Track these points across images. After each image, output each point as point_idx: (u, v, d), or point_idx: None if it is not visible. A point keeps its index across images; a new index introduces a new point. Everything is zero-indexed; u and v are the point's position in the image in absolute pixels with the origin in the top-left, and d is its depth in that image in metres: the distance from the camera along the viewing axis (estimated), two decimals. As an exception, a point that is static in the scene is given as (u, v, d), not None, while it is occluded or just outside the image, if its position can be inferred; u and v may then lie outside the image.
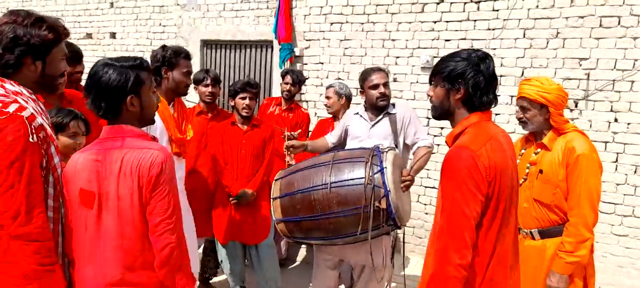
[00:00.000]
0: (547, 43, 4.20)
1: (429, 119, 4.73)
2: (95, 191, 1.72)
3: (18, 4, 7.54)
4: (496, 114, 4.43)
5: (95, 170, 1.72)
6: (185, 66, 2.93)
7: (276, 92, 5.39)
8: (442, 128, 4.70)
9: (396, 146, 3.19)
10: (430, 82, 1.98)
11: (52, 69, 1.81)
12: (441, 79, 1.86)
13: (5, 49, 1.69)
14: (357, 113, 3.38)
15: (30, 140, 1.65)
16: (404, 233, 4.29)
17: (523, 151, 2.66)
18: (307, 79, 5.30)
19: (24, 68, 1.73)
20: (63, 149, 2.33)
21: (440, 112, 1.92)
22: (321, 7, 5.19)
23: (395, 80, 4.86)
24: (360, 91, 3.40)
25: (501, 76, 4.39)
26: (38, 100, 1.79)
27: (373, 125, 3.26)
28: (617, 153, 4.02)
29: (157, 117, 2.86)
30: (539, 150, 2.55)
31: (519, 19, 4.27)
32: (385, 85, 3.23)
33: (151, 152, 1.72)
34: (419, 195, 4.87)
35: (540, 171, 2.48)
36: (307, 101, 5.36)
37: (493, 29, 4.39)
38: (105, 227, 1.73)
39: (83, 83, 3.46)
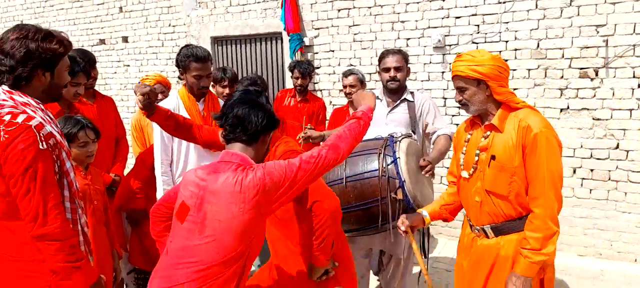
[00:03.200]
0: (562, 12, 4.06)
1: (446, 99, 4.66)
2: (192, 208, 1.73)
3: (31, 15, 7.66)
4: (514, 89, 4.34)
5: (199, 188, 1.73)
6: (195, 70, 2.91)
7: (290, 83, 5.37)
8: (453, 116, 4.62)
9: (414, 133, 3.15)
10: None
11: (59, 79, 1.90)
12: None
13: (18, 62, 1.77)
14: (377, 97, 3.33)
15: (41, 147, 1.73)
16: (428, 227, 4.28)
17: (469, 136, 2.25)
18: (317, 67, 5.27)
19: (34, 79, 1.82)
20: (75, 158, 2.42)
21: None
22: (327, -6, 5.13)
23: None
24: (377, 71, 3.37)
25: (516, 50, 4.28)
26: (46, 110, 1.87)
27: (390, 111, 3.22)
28: (642, 120, 3.90)
29: (184, 112, 2.93)
30: (488, 133, 2.13)
31: (531, -11, 4.14)
32: (397, 69, 3.16)
33: (247, 173, 1.69)
34: (441, 177, 4.83)
35: (493, 157, 2.10)
36: (320, 90, 5.33)
37: (504, 2, 4.26)
38: (191, 247, 1.70)
39: (96, 88, 3.56)
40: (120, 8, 6.75)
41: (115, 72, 6.97)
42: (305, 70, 4.33)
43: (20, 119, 1.72)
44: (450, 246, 4.77)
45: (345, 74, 4.09)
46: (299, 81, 4.35)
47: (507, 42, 4.31)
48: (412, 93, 3.27)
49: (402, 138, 2.82)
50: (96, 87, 3.74)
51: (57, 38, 1.85)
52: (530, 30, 4.20)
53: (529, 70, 4.25)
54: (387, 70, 3.17)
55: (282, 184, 1.70)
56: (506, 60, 4.32)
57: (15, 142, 1.69)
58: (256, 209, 1.68)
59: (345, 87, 4.05)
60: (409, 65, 3.29)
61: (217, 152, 2.64)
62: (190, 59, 2.91)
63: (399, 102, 3.22)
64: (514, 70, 4.31)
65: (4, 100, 1.76)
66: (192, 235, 1.70)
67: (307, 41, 5.28)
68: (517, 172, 2.03)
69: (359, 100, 2.12)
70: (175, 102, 2.98)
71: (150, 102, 2.41)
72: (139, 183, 3.18)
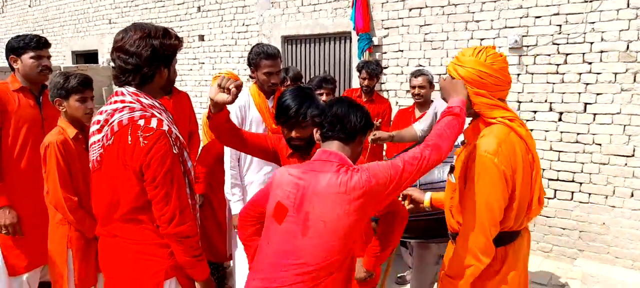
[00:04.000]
0: (658, 11, 3.72)
1: (520, 102, 4.43)
2: (290, 208, 1.69)
3: (118, 14, 8.21)
4: (598, 94, 4.03)
5: (297, 188, 1.70)
6: (265, 67, 3.00)
7: (356, 83, 5.35)
8: (527, 121, 4.37)
9: None
10: None
11: (173, 74, 1.96)
12: None
13: (145, 61, 1.80)
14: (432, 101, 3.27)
15: (174, 151, 1.81)
16: None
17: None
18: (385, 67, 5.20)
19: (156, 77, 1.87)
20: (72, 114, 2.55)
21: None
22: (399, -7, 5.05)
23: (480, 63, 4.60)
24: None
25: (602, 52, 3.97)
26: (167, 110, 1.95)
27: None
28: None
29: (254, 109, 3.01)
30: (464, 140, 2.01)
31: (622, -13, 3.82)
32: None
33: (351, 175, 1.65)
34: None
35: (451, 167, 2.02)
36: (387, 90, 5.26)
37: (591, 1, 3.97)
38: (295, 248, 1.66)
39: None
40: (199, 8, 7.06)
41: (191, 69, 7.30)
42: (373, 71, 4.29)
43: (153, 123, 1.78)
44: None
45: (415, 74, 4.00)
46: (366, 82, 4.31)
47: (592, 43, 4.01)
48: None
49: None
50: (175, 85, 3.95)
51: (174, 34, 1.90)
52: (619, 30, 3.88)
53: (616, 74, 3.93)
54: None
55: (387, 186, 1.65)
56: (590, 63, 4.03)
57: (155, 148, 1.76)
58: (360, 211, 1.63)
59: (413, 87, 3.97)
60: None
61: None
62: (261, 57, 2.99)
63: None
64: (599, 74, 4.00)
65: (131, 102, 1.81)
66: (293, 236, 1.66)
67: (376, 41, 5.22)
68: (457, 189, 1.93)
69: (450, 91, 1.89)
70: (246, 98, 3.05)
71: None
72: (203, 169, 3.32)
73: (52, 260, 2.60)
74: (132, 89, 1.85)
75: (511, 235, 1.91)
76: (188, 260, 1.88)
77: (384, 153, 3.41)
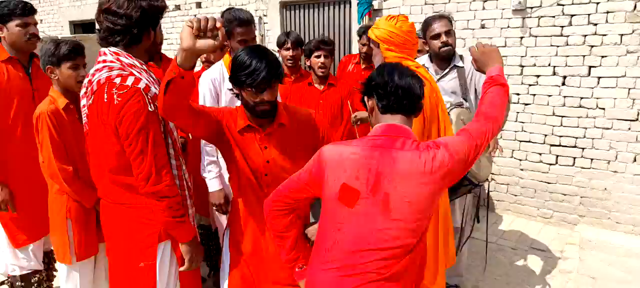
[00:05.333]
0: (667, -32, 3.57)
1: (523, 66, 4.32)
2: (362, 190, 1.55)
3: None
4: (602, 57, 3.92)
5: (368, 168, 1.56)
6: (239, 35, 2.69)
7: (356, 49, 5.24)
8: (530, 85, 4.28)
9: (465, 101, 2.96)
10: None
11: (159, 36, 1.98)
12: None
13: (135, 22, 1.82)
14: (423, 65, 3.14)
15: (150, 109, 1.80)
16: (488, 190, 4.07)
17: None
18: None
19: (144, 38, 1.89)
20: (64, 81, 2.46)
21: None
22: (399, -46, 4.89)
23: (483, 26, 4.48)
24: (423, 41, 3.12)
25: (608, 12, 3.84)
26: (149, 70, 1.94)
27: (439, 79, 3.03)
28: None
29: (228, 82, 2.85)
30: None
31: (631, -57, 3.67)
32: (448, 33, 2.98)
33: (433, 152, 1.56)
34: (513, 150, 4.53)
35: None
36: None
37: (598, -41, 3.82)
38: (376, 231, 1.54)
39: (166, 52, 3.67)
40: (195, -27, 6.90)
41: (189, 37, 7.18)
42: None
43: (129, 81, 1.79)
44: (518, 223, 4.50)
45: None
46: (366, 48, 4.21)
47: (598, 3, 3.88)
48: (461, 57, 3.07)
49: (452, 107, 2.66)
50: (169, 52, 3.86)
51: None
52: None
53: (622, 35, 3.81)
54: (438, 36, 2.97)
55: (466, 161, 1.60)
56: (596, 24, 3.91)
57: (128, 105, 1.76)
58: (443, 187, 1.58)
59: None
60: (454, 29, 3.11)
61: None
62: (234, 24, 2.69)
63: (448, 69, 3.04)
64: (604, 35, 3.88)
65: (111, 62, 1.83)
66: (372, 220, 1.54)
67: (376, 5, 5.09)
68: None
69: (486, 60, 1.92)
70: (219, 70, 2.80)
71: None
72: None
73: (52, 230, 2.60)
74: (113, 49, 1.85)
75: None
76: (169, 221, 1.89)
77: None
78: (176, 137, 1.98)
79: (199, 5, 6.95)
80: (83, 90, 1.93)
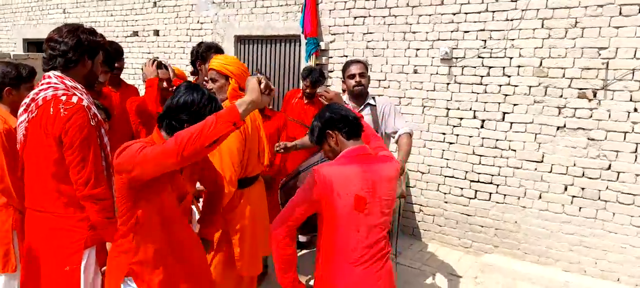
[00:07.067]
0: (566, 32, 4.19)
1: (449, 109, 4.82)
2: (367, 196, 2.03)
3: (72, 4, 8.18)
4: (514, 104, 4.47)
5: (365, 179, 2.04)
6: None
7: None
8: (454, 127, 4.77)
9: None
10: None
11: (96, 68, 2.31)
12: None
13: (70, 48, 2.16)
14: (344, 102, 3.59)
15: (91, 123, 2.12)
16: (399, 213, 4.46)
17: None
18: (331, 71, 5.51)
19: (79, 64, 2.21)
20: (20, 101, 2.63)
21: None
22: (345, 1, 5.38)
23: (415, 71, 4.98)
24: (342, 80, 3.73)
25: (519, 66, 4.42)
26: (88, 94, 2.26)
27: None
28: (637, 143, 3.96)
29: None
30: None
31: (538, 9, 4.28)
32: (361, 75, 3.55)
33: (395, 162, 2.25)
34: (439, 184, 4.97)
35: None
36: (331, 93, 5.56)
37: (511, 20, 4.42)
38: (379, 224, 2.08)
39: (126, 78, 3.90)
40: (154, 2, 7.18)
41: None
42: (315, 80, 4.56)
43: (74, 99, 2.11)
44: (442, 251, 4.88)
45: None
46: (308, 90, 4.60)
47: (511, 58, 4.46)
48: (373, 98, 3.62)
49: None
50: (128, 77, 4.09)
51: (99, 34, 2.30)
52: (534, 48, 4.33)
53: (530, 87, 4.38)
54: (353, 76, 3.55)
55: None
56: (509, 76, 4.47)
57: (74, 118, 2.07)
58: None
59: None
60: (369, 74, 3.71)
61: None
62: (212, 50, 3.24)
63: (363, 106, 3.56)
64: (516, 86, 4.44)
65: (56, 84, 2.14)
66: (375, 217, 2.06)
67: (323, 45, 5.53)
68: None
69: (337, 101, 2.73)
70: None
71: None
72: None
73: None
74: (57, 73, 2.17)
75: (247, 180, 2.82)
76: (101, 221, 2.13)
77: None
78: (109, 151, 2.26)
79: (157, 33, 7.21)
80: (22, 108, 2.21)
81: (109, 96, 3.54)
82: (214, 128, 1.70)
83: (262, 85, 1.83)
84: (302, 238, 4.71)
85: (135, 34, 7.48)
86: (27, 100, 2.19)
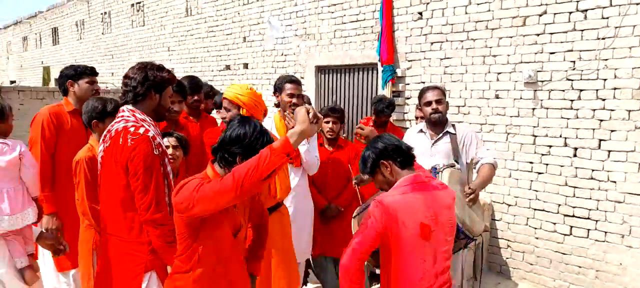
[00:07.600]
0: (672, 49, 3.65)
1: (536, 136, 4.44)
2: (431, 225, 2.01)
3: (176, 42, 8.96)
4: (611, 131, 3.99)
5: (428, 207, 2.03)
6: (288, 89, 3.34)
7: (380, 112, 5.55)
8: (542, 155, 4.36)
9: (457, 163, 3.20)
10: None
11: (164, 101, 2.48)
12: None
13: (138, 83, 2.36)
14: (421, 130, 3.45)
15: (155, 153, 2.26)
16: (482, 248, 4.14)
17: None
18: (408, 98, 5.37)
19: (147, 98, 2.40)
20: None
21: None
22: (421, 27, 5.23)
23: (497, 96, 4.67)
24: (417, 108, 3.48)
25: (615, 88, 3.94)
26: (156, 126, 2.45)
27: (434, 143, 3.36)
28: None
29: (275, 132, 3.34)
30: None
31: (634, 26, 3.79)
32: (438, 101, 3.33)
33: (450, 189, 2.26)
34: (528, 218, 4.58)
35: None
36: (410, 120, 5.42)
37: (603, 38, 3.96)
38: (445, 252, 2.08)
39: (200, 109, 4.16)
40: (244, 38, 7.60)
41: (236, 94, 7.82)
42: (380, 111, 4.48)
43: (141, 130, 2.28)
44: (533, 293, 4.47)
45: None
46: (374, 117, 4.53)
47: (605, 80, 3.99)
48: (453, 125, 3.40)
49: (445, 168, 2.91)
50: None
51: (167, 70, 2.47)
52: (632, 68, 3.84)
53: (629, 111, 3.88)
54: (429, 104, 3.34)
55: None
56: (604, 100, 4.00)
57: (139, 147, 2.24)
58: None
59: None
60: (446, 100, 3.46)
61: None
62: (284, 80, 3.38)
63: (441, 134, 3.35)
64: (612, 110, 3.96)
65: (128, 116, 2.35)
66: (441, 244, 2.07)
67: (399, 72, 5.42)
68: None
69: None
70: (270, 123, 3.40)
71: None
72: None
73: (80, 258, 3.02)
74: (129, 106, 2.37)
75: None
76: (161, 245, 2.26)
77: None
78: (172, 180, 2.39)
79: (246, 66, 7.61)
80: (102, 138, 2.44)
81: (186, 126, 3.78)
82: (270, 161, 1.76)
83: (311, 115, 1.86)
84: (377, 271, 4.61)
85: (227, 67, 7.97)
86: (105, 133, 2.42)
